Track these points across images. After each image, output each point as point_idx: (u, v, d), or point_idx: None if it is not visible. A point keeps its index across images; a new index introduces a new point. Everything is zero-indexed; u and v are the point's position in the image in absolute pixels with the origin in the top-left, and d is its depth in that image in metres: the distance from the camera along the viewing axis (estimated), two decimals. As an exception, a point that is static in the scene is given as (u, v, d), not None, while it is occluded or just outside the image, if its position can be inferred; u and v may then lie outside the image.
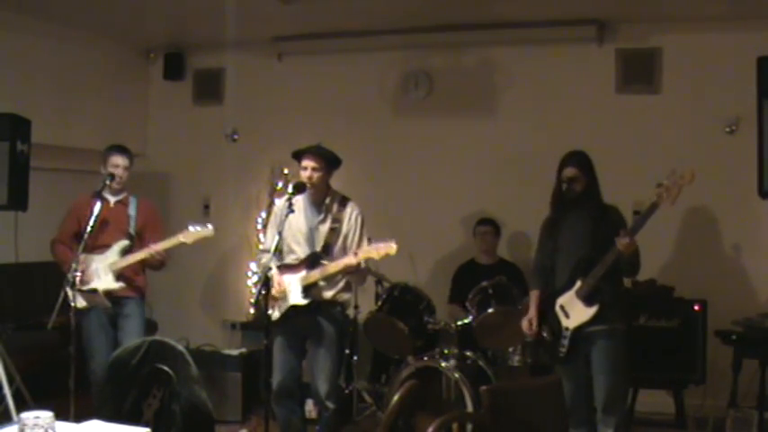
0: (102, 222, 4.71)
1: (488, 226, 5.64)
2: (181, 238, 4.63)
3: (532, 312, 4.34)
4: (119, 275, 4.70)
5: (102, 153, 4.91)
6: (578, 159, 4.22)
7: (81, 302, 4.55)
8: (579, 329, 4.10)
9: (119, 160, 4.83)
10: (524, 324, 4.36)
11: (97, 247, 4.71)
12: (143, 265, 4.82)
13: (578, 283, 4.09)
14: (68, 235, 4.82)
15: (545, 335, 4.29)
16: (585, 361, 4.13)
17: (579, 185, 4.18)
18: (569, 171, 4.18)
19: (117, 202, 4.86)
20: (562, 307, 4.17)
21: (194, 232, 4.64)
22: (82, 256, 4.53)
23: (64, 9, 5.68)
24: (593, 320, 4.05)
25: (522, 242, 5.98)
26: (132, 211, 4.86)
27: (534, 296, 4.40)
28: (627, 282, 4.66)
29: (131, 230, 4.81)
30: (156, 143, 7.11)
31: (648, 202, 3.92)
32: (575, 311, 4.11)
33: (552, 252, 4.29)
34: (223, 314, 6.80)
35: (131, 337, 4.58)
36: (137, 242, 4.81)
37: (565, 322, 4.15)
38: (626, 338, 4.13)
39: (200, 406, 3.80)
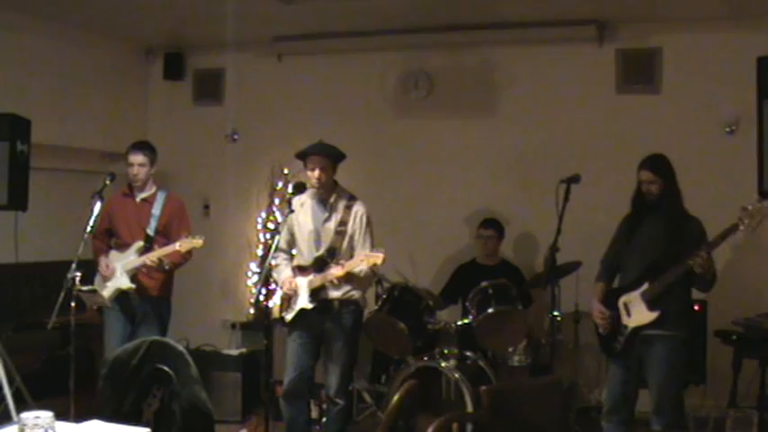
0: (125, 221, 4.84)
1: (491, 230, 5.57)
2: (176, 246, 4.65)
3: (600, 305, 4.29)
4: (133, 276, 4.76)
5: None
6: (653, 163, 4.22)
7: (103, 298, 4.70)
8: (637, 330, 4.13)
9: (132, 158, 4.89)
10: (596, 315, 4.30)
11: (121, 245, 4.84)
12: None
13: (645, 285, 4.10)
14: (101, 231, 4.90)
15: (600, 331, 4.30)
16: (639, 362, 4.16)
17: (655, 188, 4.19)
18: (644, 174, 4.22)
19: (142, 200, 4.89)
20: (625, 304, 4.19)
21: (187, 241, 4.64)
22: (111, 253, 4.80)
23: (64, 9, 5.68)
24: (654, 325, 4.07)
25: (523, 242, 5.98)
26: (157, 209, 4.87)
27: (599, 289, 4.37)
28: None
29: (150, 231, 4.83)
30: (155, 143, 7.03)
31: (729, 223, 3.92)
32: (636, 312, 4.13)
33: (624, 250, 4.32)
34: (223, 314, 6.80)
35: (143, 336, 4.59)
36: (161, 240, 4.83)
37: (625, 320, 4.17)
38: (685, 346, 4.16)
39: (200, 406, 3.80)
